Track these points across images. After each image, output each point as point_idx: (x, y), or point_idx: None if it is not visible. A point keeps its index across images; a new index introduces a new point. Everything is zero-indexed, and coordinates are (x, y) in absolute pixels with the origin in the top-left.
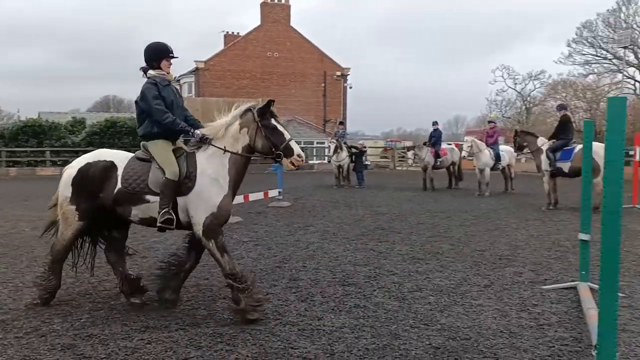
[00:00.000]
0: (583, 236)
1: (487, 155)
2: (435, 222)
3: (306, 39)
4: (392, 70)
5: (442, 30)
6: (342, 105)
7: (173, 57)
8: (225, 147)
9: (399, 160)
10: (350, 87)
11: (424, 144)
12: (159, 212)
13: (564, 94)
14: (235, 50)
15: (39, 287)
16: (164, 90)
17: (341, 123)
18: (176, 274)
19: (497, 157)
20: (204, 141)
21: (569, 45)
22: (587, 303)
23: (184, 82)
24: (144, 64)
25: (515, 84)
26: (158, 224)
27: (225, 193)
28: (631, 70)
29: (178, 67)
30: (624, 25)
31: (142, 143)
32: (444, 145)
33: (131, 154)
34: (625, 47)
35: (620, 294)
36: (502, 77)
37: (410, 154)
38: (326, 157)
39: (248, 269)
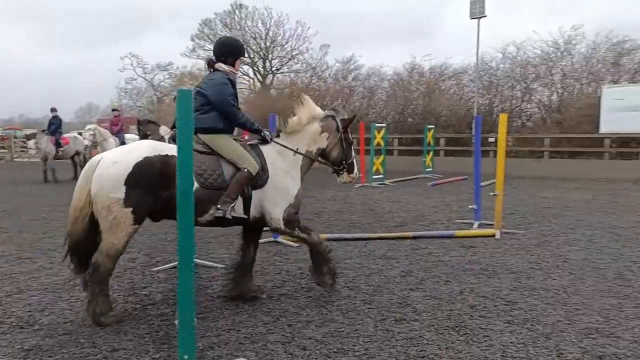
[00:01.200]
0: None
1: (112, 143)
2: (54, 216)
3: None
4: (15, 52)
5: (74, 13)
6: None
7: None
8: (297, 148)
9: (21, 151)
10: None
11: (43, 131)
12: (227, 205)
13: (191, 86)
14: None
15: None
16: (234, 88)
17: None
18: (244, 275)
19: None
20: (270, 141)
21: (192, 40)
22: None
23: None
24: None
25: (145, 73)
26: (229, 216)
27: (299, 185)
28: (246, 67)
29: None
30: (238, 27)
31: (199, 135)
32: (71, 134)
33: None
34: None
35: (220, 265)
36: (132, 65)
37: (31, 143)
38: None
39: None
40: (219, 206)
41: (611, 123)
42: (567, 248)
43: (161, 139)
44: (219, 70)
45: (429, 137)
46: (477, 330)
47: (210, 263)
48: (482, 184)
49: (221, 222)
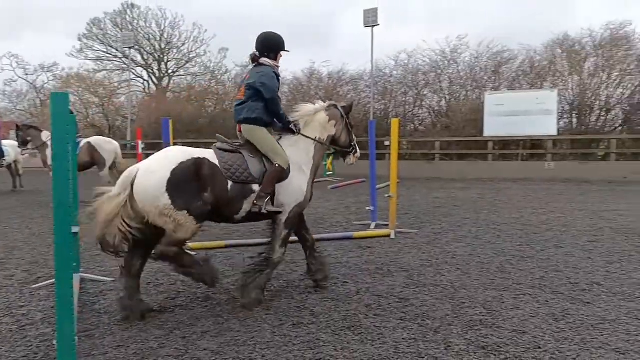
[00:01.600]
0: (74, 229)
1: None
2: None
3: None
4: None
5: None
6: None
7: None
8: (316, 137)
9: None
10: None
11: None
12: (262, 200)
13: (78, 88)
14: None
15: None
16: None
17: None
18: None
19: (1, 153)
20: (296, 131)
21: (80, 40)
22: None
23: None
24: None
25: (27, 74)
26: (265, 210)
27: (307, 181)
28: (140, 69)
29: None
30: (130, 27)
31: (242, 129)
32: None
33: (206, 150)
34: (131, 47)
35: (108, 279)
36: (11, 66)
37: None
38: None
39: None
40: (255, 202)
41: (493, 127)
42: (455, 245)
43: (43, 145)
44: (266, 65)
45: None
46: (372, 328)
47: (98, 277)
48: (378, 186)
49: (254, 217)
